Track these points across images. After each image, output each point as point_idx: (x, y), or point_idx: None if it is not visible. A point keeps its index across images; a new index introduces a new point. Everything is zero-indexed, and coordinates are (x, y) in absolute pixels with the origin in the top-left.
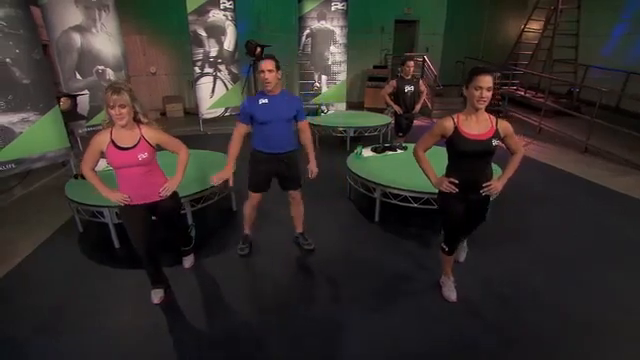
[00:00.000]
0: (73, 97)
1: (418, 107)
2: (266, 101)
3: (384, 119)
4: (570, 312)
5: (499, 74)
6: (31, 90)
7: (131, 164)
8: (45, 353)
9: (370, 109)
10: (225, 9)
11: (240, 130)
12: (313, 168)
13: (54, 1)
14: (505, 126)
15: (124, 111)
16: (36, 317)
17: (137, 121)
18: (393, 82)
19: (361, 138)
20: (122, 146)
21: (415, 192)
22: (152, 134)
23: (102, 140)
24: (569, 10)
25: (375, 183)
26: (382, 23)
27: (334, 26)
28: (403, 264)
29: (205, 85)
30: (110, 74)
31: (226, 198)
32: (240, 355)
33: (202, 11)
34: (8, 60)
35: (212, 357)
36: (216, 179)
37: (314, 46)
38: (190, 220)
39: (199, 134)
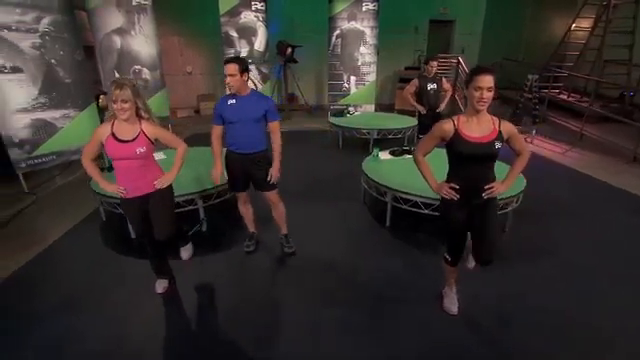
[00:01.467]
0: None
1: (443, 106)
2: (234, 101)
3: (410, 121)
4: (577, 338)
5: (537, 76)
6: (72, 88)
7: (129, 157)
8: (61, 328)
9: (400, 111)
10: (256, 10)
11: (215, 131)
12: (275, 172)
13: (99, 6)
14: (508, 127)
15: (126, 106)
16: (57, 296)
17: (139, 116)
18: (415, 81)
19: (385, 140)
20: (121, 139)
21: (425, 197)
22: (151, 129)
23: (103, 132)
24: (624, 5)
25: (386, 187)
26: (416, 23)
27: (364, 26)
28: (408, 271)
29: None
30: (146, 73)
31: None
32: (227, 347)
33: (234, 12)
34: (53, 61)
35: (201, 346)
36: (213, 178)
37: (344, 47)
38: (202, 215)
39: None
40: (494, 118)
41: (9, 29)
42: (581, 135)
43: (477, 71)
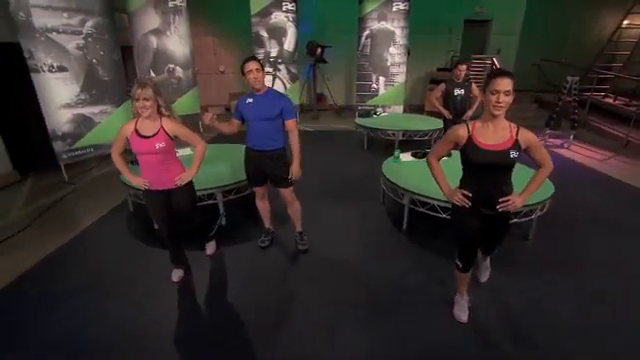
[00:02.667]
0: None
1: (470, 113)
2: (251, 100)
3: (436, 123)
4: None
5: (578, 78)
6: (109, 86)
7: (150, 151)
8: (82, 308)
9: (430, 113)
10: (287, 10)
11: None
12: (295, 170)
13: (139, 8)
14: (527, 137)
15: (147, 104)
16: (82, 278)
17: (160, 114)
18: (442, 85)
19: (410, 142)
20: (144, 135)
21: (442, 201)
22: (171, 126)
23: (128, 128)
24: None
25: (403, 189)
26: (450, 23)
27: (394, 27)
28: (420, 276)
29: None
30: (179, 72)
31: None
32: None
33: (265, 13)
34: (94, 61)
35: (212, 338)
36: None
37: (373, 47)
38: (221, 209)
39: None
40: (512, 125)
41: (57, 32)
42: (627, 142)
43: (494, 74)
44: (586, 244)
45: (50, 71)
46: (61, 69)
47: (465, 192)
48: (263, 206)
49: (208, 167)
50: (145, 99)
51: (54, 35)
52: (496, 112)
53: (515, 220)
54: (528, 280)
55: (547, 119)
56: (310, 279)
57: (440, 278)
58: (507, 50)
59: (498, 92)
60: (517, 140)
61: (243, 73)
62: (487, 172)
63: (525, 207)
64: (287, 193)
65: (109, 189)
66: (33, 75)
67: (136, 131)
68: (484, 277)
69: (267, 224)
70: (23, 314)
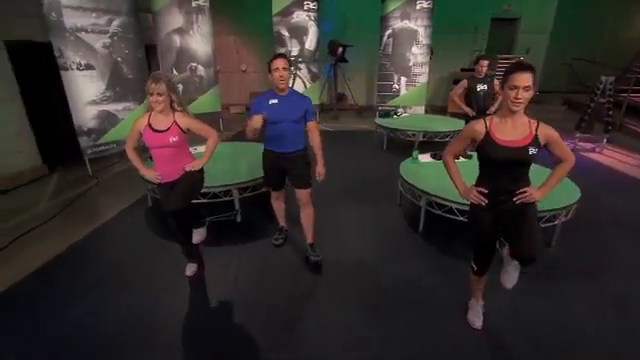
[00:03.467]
0: None
1: (493, 109)
2: (276, 101)
3: (458, 124)
4: None
5: (613, 78)
6: (133, 83)
7: (163, 145)
8: (99, 299)
9: (453, 114)
10: (309, 10)
11: None
12: (321, 170)
13: (164, 8)
14: (547, 132)
15: (160, 99)
16: (101, 269)
17: (172, 108)
18: (464, 82)
19: (431, 143)
20: (157, 129)
21: (459, 204)
22: (183, 120)
23: (141, 122)
24: None
25: (421, 190)
26: (476, 22)
27: (417, 26)
28: (436, 279)
29: None
30: (201, 70)
31: None
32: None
33: (286, 12)
34: (119, 59)
35: (217, 335)
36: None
37: (395, 46)
38: (237, 206)
39: None
40: (532, 121)
41: (86, 31)
42: None
43: (513, 69)
44: (609, 249)
45: (78, 69)
46: (88, 67)
47: (481, 189)
48: (278, 205)
49: (225, 164)
50: (159, 94)
51: (83, 34)
52: (515, 108)
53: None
54: (552, 288)
55: (578, 121)
56: (322, 278)
57: (455, 282)
58: (536, 49)
59: (517, 87)
60: (536, 136)
61: (270, 70)
62: (505, 169)
63: (548, 211)
64: (304, 194)
65: (130, 184)
66: (62, 73)
67: (149, 125)
68: (510, 283)
69: (282, 222)
70: (47, 300)
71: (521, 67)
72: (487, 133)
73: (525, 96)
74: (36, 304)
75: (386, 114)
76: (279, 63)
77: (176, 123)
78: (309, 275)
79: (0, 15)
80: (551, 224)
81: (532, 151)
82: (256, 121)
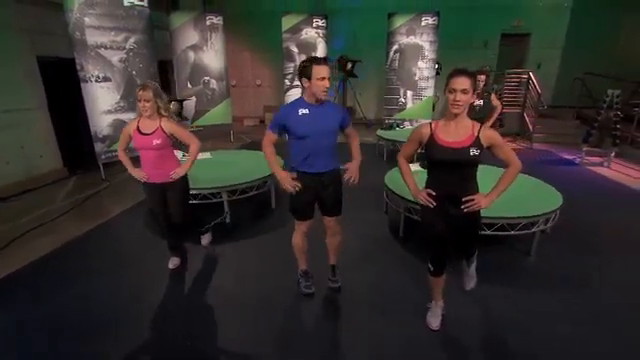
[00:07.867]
0: (180, 102)
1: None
2: (307, 112)
3: None
4: None
5: (619, 91)
6: None
7: (147, 147)
8: (99, 286)
9: None
10: (317, 27)
11: (270, 138)
12: (355, 170)
13: (181, 26)
14: (490, 135)
15: (148, 104)
16: (101, 260)
17: (159, 114)
18: None
19: None
20: (144, 132)
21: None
22: (168, 125)
23: (131, 126)
24: None
25: (399, 197)
26: (485, 37)
27: (423, 41)
28: (407, 283)
29: (294, 96)
30: (213, 83)
31: (265, 194)
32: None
33: (295, 29)
34: (134, 72)
35: (193, 333)
36: (287, 188)
37: (402, 61)
38: (226, 208)
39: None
40: (475, 124)
41: (105, 47)
42: None
43: (452, 73)
44: (595, 263)
45: (96, 81)
46: (106, 79)
47: (430, 191)
48: (302, 244)
49: (222, 168)
50: (146, 100)
51: (102, 50)
52: (454, 110)
53: (514, 232)
54: (526, 293)
55: (584, 135)
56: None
57: (426, 285)
58: (548, 64)
59: (455, 91)
60: (478, 137)
61: (308, 77)
62: (449, 170)
63: (524, 218)
64: (335, 222)
65: (137, 187)
66: (82, 85)
67: (138, 129)
68: (468, 285)
69: (305, 265)
70: (49, 282)
71: (458, 72)
72: (431, 135)
73: (463, 99)
74: (37, 287)
75: (390, 127)
76: (325, 72)
77: (161, 127)
78: (290, 279)
79: (34, 35)
80: (529, 231)
81: (473, 152)
82: (287, 181)
